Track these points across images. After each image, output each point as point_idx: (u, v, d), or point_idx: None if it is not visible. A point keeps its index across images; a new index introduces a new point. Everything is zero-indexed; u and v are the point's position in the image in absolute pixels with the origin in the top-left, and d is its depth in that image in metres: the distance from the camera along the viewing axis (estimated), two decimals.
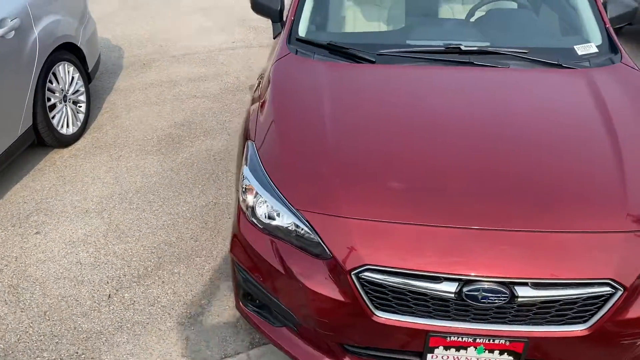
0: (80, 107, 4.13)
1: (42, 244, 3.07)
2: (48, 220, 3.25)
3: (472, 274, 1.75)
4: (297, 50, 2.71)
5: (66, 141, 3.93)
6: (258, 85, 2.71)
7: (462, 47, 2.61)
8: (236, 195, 2.33)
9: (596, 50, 2.66)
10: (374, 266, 1.80)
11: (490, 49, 2.63)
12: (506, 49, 2.61)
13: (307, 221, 1.92)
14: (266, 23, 6.30)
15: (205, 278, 2.84)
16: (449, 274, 1.76)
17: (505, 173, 2.01)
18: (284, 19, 3.09)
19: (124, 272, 2.87)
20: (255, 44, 5.81)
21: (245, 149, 2.30)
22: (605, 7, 2.95)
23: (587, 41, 2.72)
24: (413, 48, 2.65)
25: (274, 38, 3.16)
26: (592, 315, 1.79)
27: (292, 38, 2.80)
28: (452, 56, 2.59)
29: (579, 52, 2.64)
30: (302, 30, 2.83)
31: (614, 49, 2.69)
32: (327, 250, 1.87)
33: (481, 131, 2.19)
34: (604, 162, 2.04)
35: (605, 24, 2.77)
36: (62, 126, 3.88)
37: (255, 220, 2.07)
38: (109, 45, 5.73)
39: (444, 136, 2.16)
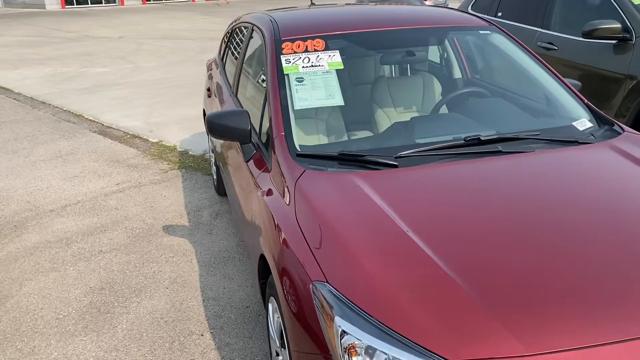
0: None
1: None
2: None
3: None
4: (309, 166, 2.27)
5: None
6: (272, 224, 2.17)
7: (482, 138, 2.42)
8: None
9: (591, 124, 2.67)
10: None
11: (507, 136, 2.48)
12: (523, 134, 2.48)
13: None
14: (146, 159, 5.67)
15: None
16: None
17: (627, 258, 1.75)
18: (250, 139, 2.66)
19: None
20: (145, 182, 5.12)
21: (313, 294, 1.73)
22: None
23: (577, 118, 2.72)
24: (430, 145, 2.39)
25: (247, 161, 2.69)
26: None
27: (293, 154, 2.36)
28: (479, 147, 2.38)
29: (580, 128, 2.62)
30: (297, 146, 2.42)
31: (604, 121, 2.72)
32: None
33: (576, 218, 1.95)
34: None
35: (583, 101, 2.83)
36: None
37: None
38: None
39: (550, 232, 1.87)
